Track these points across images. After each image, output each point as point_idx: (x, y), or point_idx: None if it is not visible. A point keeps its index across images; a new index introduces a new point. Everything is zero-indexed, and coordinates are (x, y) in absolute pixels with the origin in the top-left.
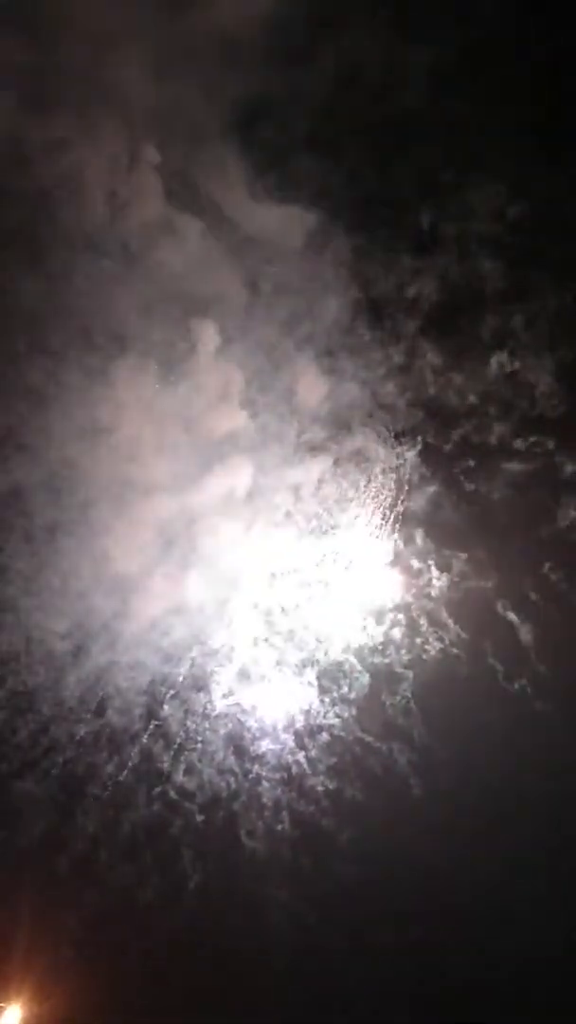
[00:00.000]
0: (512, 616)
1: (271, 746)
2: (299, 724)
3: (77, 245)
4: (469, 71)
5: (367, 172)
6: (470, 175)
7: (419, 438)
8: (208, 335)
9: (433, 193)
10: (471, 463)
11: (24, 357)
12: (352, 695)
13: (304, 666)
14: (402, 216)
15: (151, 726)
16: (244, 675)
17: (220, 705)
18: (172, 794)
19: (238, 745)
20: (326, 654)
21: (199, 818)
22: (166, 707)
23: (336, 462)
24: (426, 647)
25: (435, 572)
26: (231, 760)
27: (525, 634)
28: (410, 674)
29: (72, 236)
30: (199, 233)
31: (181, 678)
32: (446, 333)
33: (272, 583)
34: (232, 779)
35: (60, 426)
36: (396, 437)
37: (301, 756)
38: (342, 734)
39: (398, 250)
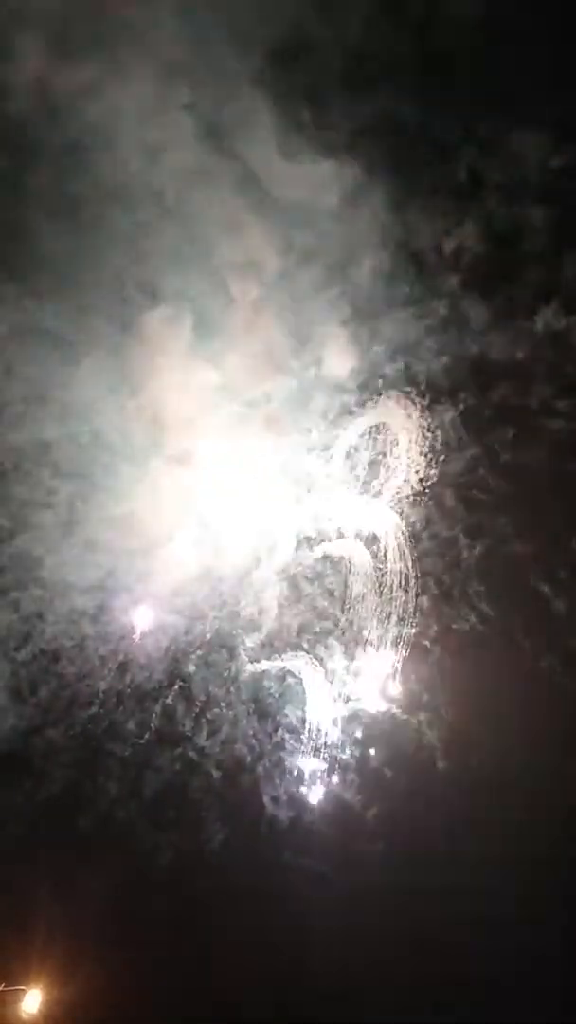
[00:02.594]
0: (545, 588)
1: (295, 712)
2: (324, 692)
3: (108, 196)
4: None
5: (404, 118)
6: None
7: (456, 400)
8: (244, 289)
9: (475, 141)
10: (510, 427)
11: (54, 310)
12: (378, 667)
13: (329, 634)
14: (442, 166)
15: (175, 686)
16: (269, 642)
17: (245, 670)
18: (194, 755)
19: (262, 710)
20: (351, 623)
21: (219, 782)
22: (191, 668)
23: (369, 425)
24: (455, 619)
25: (465, 540)
26: (254, 724)
27: (558, 606)
28: (437, 648)
29: (104, 187)
30: (232, 186)
31: (207, 641)
32: (488, 290)
33: (299, 550)
34: (255, 743)
35: (90, 381)
36: (431, 399)
37: (327, 725)
38: (366, 706)
39: (437, 202)
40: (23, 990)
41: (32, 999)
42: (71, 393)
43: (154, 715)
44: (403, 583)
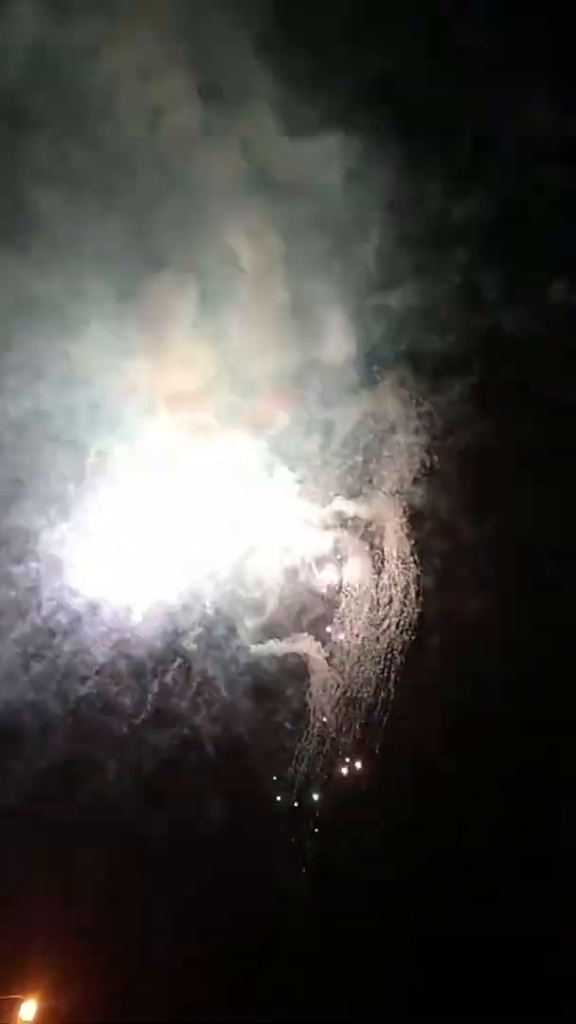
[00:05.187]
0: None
1: (293, 695)
2: (324, 676)
3: (109, 161)
4: None
5: (407, 83)
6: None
7: (464, 374)
8: (250, 259)
9: (482, 105)
10: (520, 402)
11: (52, 280)
12: (379, 649)
13: (329, 618)
14: (448, 133)
15: (174, 664)
16: (269, 624)
17: (244, 653)
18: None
19: (261, 692)
20: (352, 607)
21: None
22: (191, 647)
23: (370, 404)
24: (459, 601)
25: (469, 518)
26: (253, 705)
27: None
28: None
29: (104, 152)
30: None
31: (207, 620)
32: (496, 263)
33: (299, 533)
34: (254, 724)
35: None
36: (435, 376)
37: (327, 707)
38: (367, 691)
39: (444, 169)
40: (19, 999)
41: (28, 1009)
42: (70, 364)
43: (150, 693)
44: (403, 566)
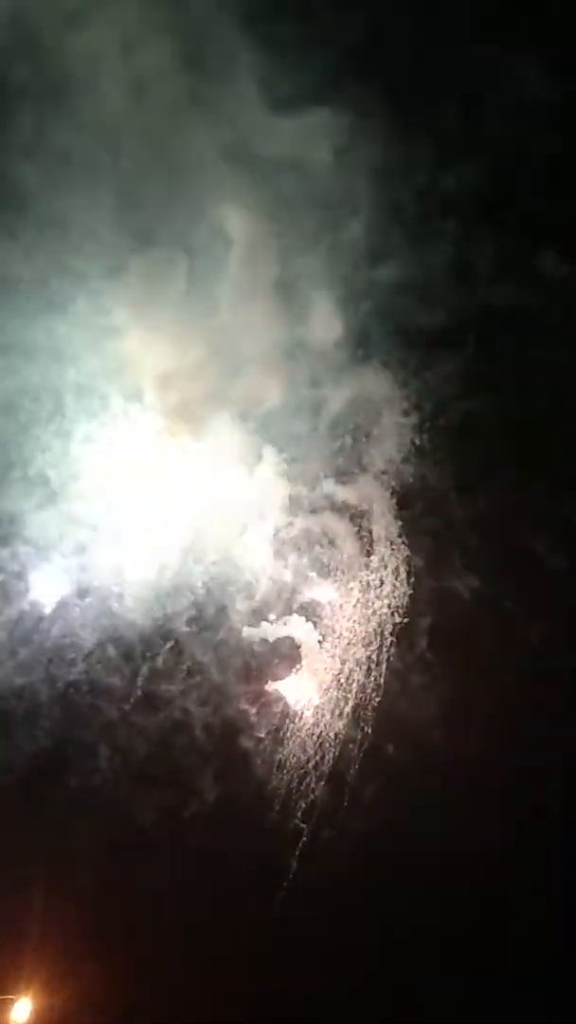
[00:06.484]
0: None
1: (286, 678)
2: (314, 662)
3: (94, 134)
4: None
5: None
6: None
7: (452, 353)
8: (239, 234)
9: (473, 74)
10: (512, 380)
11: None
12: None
13: (319, 600)
14: (438, 102)
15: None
16: (260, 609)
17: (235, 635)
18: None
19: (253, 675)
20: (341, 589)
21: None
22: (183, 630)
23: (359, 384)
24: (447, 584)
25: (459, 497)
26: (243, 688)
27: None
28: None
29: (89, 125)
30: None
31: (197, 602)
32: (488, 232)
33: (288, 512)
34: (243, 708)
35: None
36: (426, 352)
37: (316, 696)
38: (359, 678)
39: (433, 140)
40: (12, 999)
41: (22, 1008)
42: (54, 341)
43: (140, 677)
44: (392, 547)
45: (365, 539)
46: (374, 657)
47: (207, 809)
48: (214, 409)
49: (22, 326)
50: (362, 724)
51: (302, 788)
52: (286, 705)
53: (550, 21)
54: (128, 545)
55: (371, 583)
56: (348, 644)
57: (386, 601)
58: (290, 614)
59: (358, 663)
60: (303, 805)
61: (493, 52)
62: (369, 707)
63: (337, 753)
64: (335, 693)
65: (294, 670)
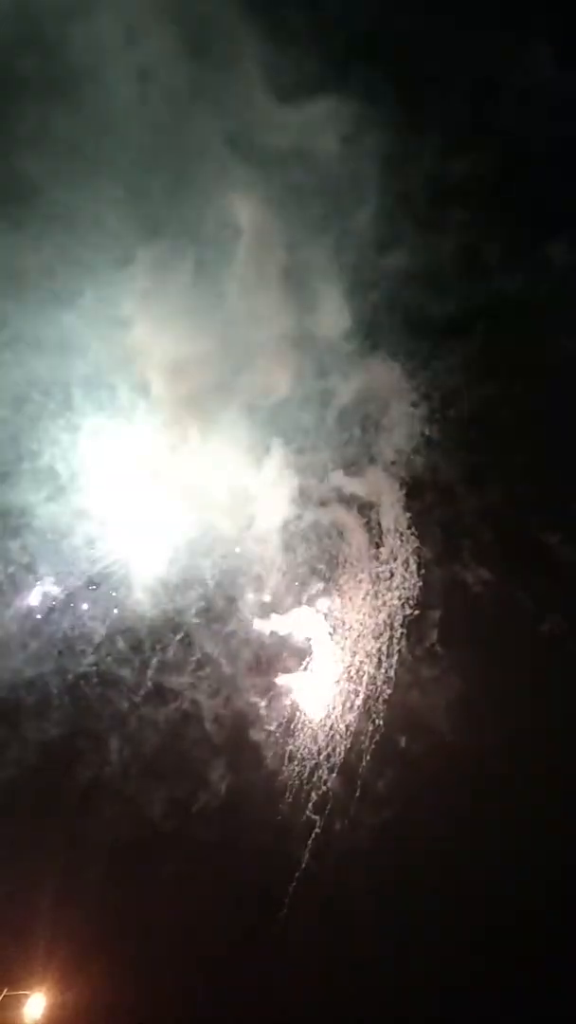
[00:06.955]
0: (551, 538)
1: (296, 671)
2: (324, 654)
3: (100, 125)
4: None
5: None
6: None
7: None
8: (246, 222)
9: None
10: (522, 370)
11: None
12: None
13: (328, 593)
14: (445, 89)
15: (174, 639)
16: (269, 599)
17: (245, 627)
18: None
19: (263, 667)
20: (350, 582)
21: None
22: (193, 622)
23: (367, 375)
24: (457, 575)
25: (469, 488)
26: (253, 680)
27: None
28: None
29: (94, 116)
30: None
31: (207, 595)
32: (497, 221)
33: (297, 504)
34: (253, 700)
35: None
36: (434, 343)
37: (324, 687)
38: (370, 669)
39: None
40: (26, 994)
41: (36, 1003)
42: (62, 333)
43: (150, 669)
44: (402, 538)
45: (375, 531)
46: (384, 649)
47: (218, 801)
48: (222, 400)
49: (29, 318)
50: (373, 716)
51: (313, 780)
52: (296, 697)
53: (559, 6)
54: (137, 537)
55: (381, 575)
56: (358, 636)
57: (396, 593)
58: (300, 606)
59: (368, 655)
60: (315, 797)
61: (502, 38)
62: (380, 699)
63: (348, 745)
64: (346, 685)
65: (304, 662)
